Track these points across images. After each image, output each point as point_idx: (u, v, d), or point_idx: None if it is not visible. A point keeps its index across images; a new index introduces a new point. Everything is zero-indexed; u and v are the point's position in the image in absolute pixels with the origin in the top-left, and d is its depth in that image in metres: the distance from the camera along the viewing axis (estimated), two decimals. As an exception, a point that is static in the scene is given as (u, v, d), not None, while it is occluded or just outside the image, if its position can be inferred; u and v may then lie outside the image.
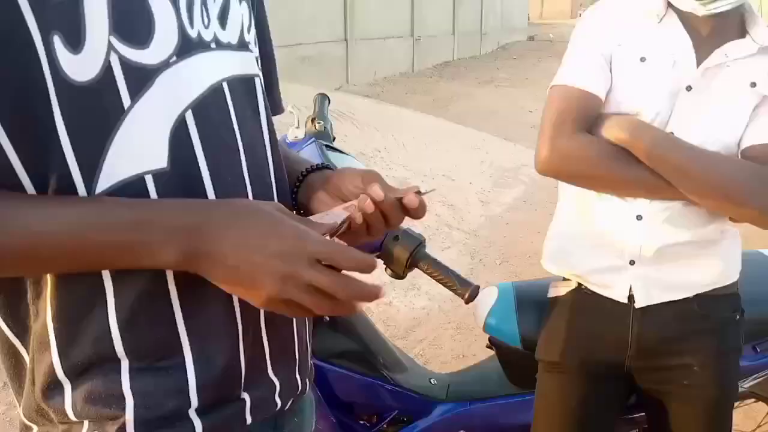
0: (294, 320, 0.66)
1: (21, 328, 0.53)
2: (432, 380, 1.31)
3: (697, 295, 1.06)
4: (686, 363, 1.07)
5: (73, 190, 0.49)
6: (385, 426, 1.26)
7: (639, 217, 1.03)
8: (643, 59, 1.01)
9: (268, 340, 0.62)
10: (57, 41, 0.45)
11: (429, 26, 13.03)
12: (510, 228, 3.85)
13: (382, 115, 6.19)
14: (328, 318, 1.18)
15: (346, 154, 1.14)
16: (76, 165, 0.48)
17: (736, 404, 1.24)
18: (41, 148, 0.47)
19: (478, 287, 1.00)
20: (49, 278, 0.50)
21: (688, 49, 1.00)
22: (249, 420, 0.60)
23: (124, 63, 0.48)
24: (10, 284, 0.52)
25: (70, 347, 0.51)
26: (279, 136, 0.73)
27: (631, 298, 1.07)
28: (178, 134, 0.52)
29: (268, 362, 0.62)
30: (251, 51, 0.63)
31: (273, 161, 0.65)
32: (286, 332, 0.65)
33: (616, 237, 1.06)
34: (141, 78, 0.49)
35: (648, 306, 1.06)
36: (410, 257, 0.96)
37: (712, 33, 1.00)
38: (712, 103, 1.00)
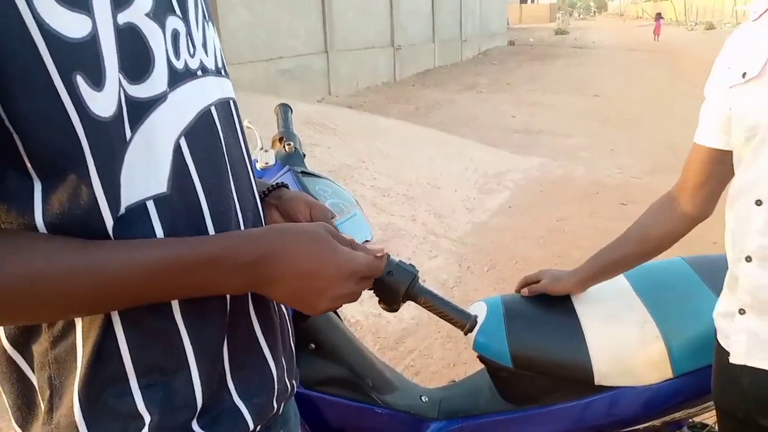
0: (285, 323, 0.71)
1: (32, 355, 0.54)
2: (423, 398, 1.29)
3: None
4: None
5: (101, 222, 0.50)
6: (377, 448, 1.24)
7: (748, 258, 0.92)
8: (744, 74, 0.90)
9: (269, 346, 0.66)
10: (80, 80, 0.46)
11: (409, 35, 13.12)
12: (496, 234, 3.85)
13: (365, 126, 6.20)
14: (313, 345, 1.15)
15: (322, 177, 1.12)
16: (104, 199, 0.50)
17: None
18: (72, 185, 0.48)
19: (476, 317, 0.99)
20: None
21: None
22: (251, 426, 0.62)
23: (128, 98, 0.50)
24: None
25: (94, 371, 0.53)
26: None
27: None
28: (176, 160, 0.54)
29: (273, 367, 0.66)
30: (227, 75, 0.66)
31: (252, 178, 0.68)
32: (282, 336, 0.69)
33: (731, 279, 0.97)
34: (140, 111, 0.51)
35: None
36: (406, 292, 0.95)
37: None
38: None
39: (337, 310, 1.30)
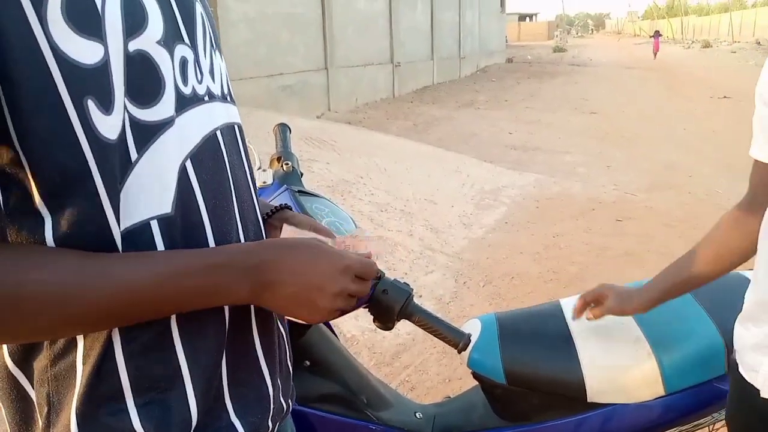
0: (283, 343, 0.72)
1: (32, 372, 0.55)
2: (417, 414, 1.29)
3: None
4: None
5: (111, 239, 0.52)
6: (371, 465, 1.23)
7: None
8: None
9: (268, 365, 0.67)
10: (90, 104, 0.49)
11: (408, 52, 13.24)
12: (492, 250, 3.86)
13: (363, 142, 6.24)
14: (308, 362, 1.16)
15: (319, 196, 1.13)
16: (114, 217, 0.51)
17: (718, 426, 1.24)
18: (81, 204, 0.50)
19: (469, 336, 1.00)
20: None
21: None
22: None
23: (135, 122, 0.52)
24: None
25: (92, 389, 0.54)
26: None
27: None
28: (181, 182, 0.56)
29: (270, 386, 0.67)
30: (234, 102, 0.69)
31: (255, 201, 0.70)
32: (279, 355, 0.70)
33: (761, 310, 0.90)
34: (147, 134, 0.53)
35: None
36: (401, 311, 0.96)
37: None
38: None
39: (333, 326, 1.31)
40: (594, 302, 1.19)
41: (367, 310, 1.10)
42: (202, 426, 0.58)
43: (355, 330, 2.78)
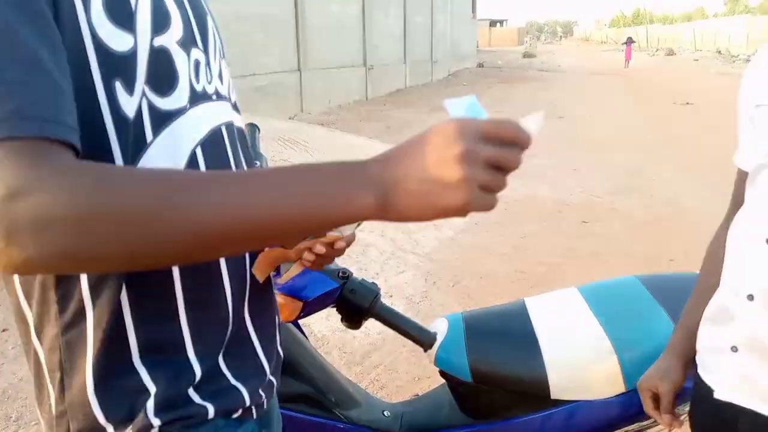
0: (275, 318, 0.77)
1: (44, 341, 0.61)
2: (385, 412, 1.30)
3: None
4: None
5: None
6: (340, 463, 1.24)
7: (750, 297, 0.83)
8: None
9: (259, 339, 0.72)
10: (118, 85, 0.56)
11: (381, 55, 13.27)
12: (462, 250, 3.91)
13: (336, 143, 6.22)
14: None
15: None
16: None
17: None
18: None
19: (435, 335, 1.01)
20: (82, 283, 0.58)
21: None
22: (248, 401, 0.69)
23: (153, 107, 0.59)
24: (40, 295, 0.59)
25: (104, 354, 0.59)
26: None
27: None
28: (191, 166, 0.62)
29: (263, 357, 0.72)
30: (238, 110, 0.77)
31: None
32: (269, 329, 0.75)
33: (720, 313, 0.90)
34: (162, 120, 0.60)
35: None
36: (368, 309, 0.97)
37: None
38: None
39: (302, 326, 1.31)
40: (656, 401, 1.04)
41: (335, 309, 1.10)
42: (206, 385, 0.64)
43: (325, 330, 2.78)
